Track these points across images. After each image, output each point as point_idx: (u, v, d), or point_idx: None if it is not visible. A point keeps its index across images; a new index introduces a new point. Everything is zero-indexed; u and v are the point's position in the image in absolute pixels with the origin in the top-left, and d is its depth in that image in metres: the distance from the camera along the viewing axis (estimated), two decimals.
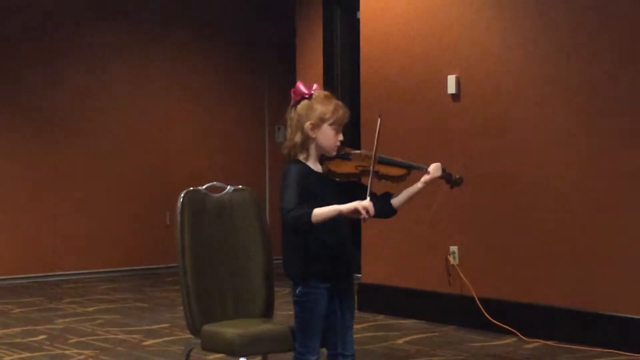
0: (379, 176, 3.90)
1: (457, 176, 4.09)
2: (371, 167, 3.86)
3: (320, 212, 3.78)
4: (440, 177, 4.03)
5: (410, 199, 4.04)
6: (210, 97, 10.68)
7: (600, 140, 6.26)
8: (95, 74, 9.93)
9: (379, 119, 3.91)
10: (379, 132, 3.89)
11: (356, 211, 3.75)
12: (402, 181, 3.98)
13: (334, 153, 3.97)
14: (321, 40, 9.28)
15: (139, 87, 10.23)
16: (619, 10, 6.19)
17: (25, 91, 9.58)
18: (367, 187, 3.84)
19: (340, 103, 3.99)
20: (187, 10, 10.52)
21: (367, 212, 3.74)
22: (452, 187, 4.13)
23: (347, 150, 3.99)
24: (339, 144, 3.96)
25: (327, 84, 9.09)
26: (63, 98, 9.75)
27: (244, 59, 10.84)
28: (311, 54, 9.38)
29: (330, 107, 3.94)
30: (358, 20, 8.06)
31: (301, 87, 3.98)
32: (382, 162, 3.94)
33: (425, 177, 4.00)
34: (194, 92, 10.57)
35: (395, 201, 4.04)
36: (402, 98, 7.43)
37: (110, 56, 10.02)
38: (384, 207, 3.99)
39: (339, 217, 3.81)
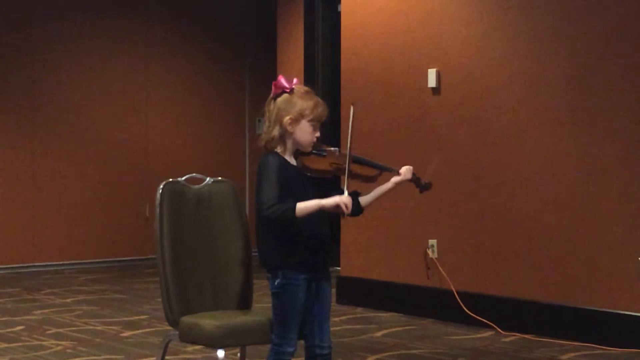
0: (351, 175, 3.96)
1: (426, 181, 4.21)
2: (347, 165, 3.90)
3: (304, 206, 3.83)
4: (410, 180, 4.13)
5: (379, 199, 4.11)
6: (189, 88, 10.65)
7: (580, 135, 6.28)
8: (72, 66, 9.88)
9: (352, 108, 3.97)
10: (353, 121, 3.93)
11: (337, 206, 3.83)
12: (372, 182, 4.08)
13: (310, 149, 3.99)
14: (302, 33, 9.28)
15: (117, 79, 10.19)
16: (600, 5, 6.22)
17: (2, 84, 9.52)
18: (341, 182, 3.88)
19: (320, 100, 4.01)
20: (167, 1, 10.48)
21: (346, 207, 3.82)
22: (421, 192, 4.25)
23: (323, 147, 4.03)
24: (315, 140, 3.99)
25: (308, 77, 9.09)
26: (40, 90, 9.70)
27: (224, 51, 10.81)
28: (292, 46, 9.37)
29: (311, 103, 3.96)
30: (339, 13, 8.06)
31: (282, 80, 4.00)
32: (356, 161, 4.03)
33: (395, 178, 4.09)
34: (174, 83, 10.54)
35: (364, 200, 4.11)
36: (383, 91, 7.44)
37: (87, 48, 9.97)
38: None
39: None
